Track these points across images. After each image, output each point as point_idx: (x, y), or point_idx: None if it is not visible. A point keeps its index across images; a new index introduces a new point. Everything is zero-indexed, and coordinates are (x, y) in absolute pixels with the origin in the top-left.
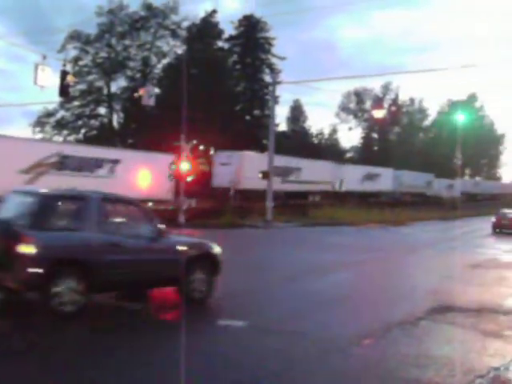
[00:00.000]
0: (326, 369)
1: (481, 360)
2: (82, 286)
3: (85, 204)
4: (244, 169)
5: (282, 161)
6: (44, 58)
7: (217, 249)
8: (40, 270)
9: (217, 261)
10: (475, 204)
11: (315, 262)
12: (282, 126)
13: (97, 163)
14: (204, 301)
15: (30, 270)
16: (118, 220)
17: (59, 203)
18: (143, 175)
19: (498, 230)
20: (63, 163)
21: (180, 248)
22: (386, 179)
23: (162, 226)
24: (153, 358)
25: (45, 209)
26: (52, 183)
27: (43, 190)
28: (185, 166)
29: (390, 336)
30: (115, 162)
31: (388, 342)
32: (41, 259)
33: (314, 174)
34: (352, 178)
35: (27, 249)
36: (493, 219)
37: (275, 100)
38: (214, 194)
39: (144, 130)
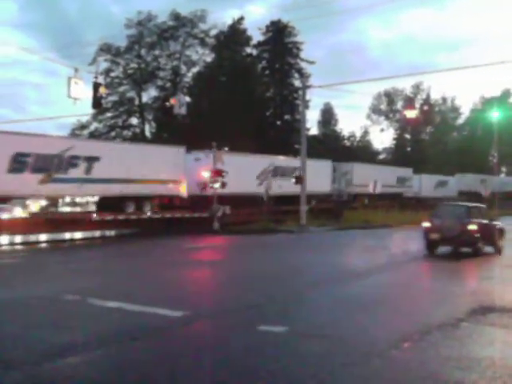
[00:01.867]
0: (366, 372)
1: None
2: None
3: (472, 208)
4: None
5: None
6: (76, 70)
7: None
8: (478, 235)
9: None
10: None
11: (351, 265)
12: (314, 130)
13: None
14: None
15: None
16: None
17: (471, 207)
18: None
19: None
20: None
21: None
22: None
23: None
24: None
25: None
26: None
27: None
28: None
29: (430, 338)
30: (295, 169)
31: (428, 344)
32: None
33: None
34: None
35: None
36: None
37: (305, 104)
38: None
39: (176, 139)
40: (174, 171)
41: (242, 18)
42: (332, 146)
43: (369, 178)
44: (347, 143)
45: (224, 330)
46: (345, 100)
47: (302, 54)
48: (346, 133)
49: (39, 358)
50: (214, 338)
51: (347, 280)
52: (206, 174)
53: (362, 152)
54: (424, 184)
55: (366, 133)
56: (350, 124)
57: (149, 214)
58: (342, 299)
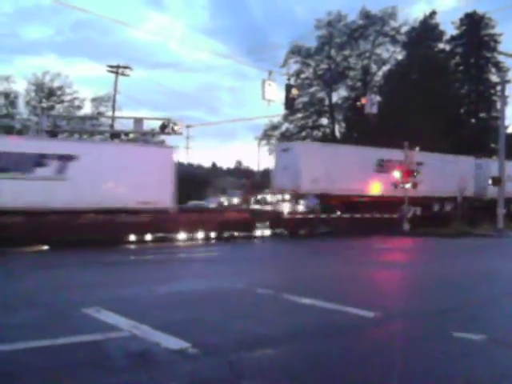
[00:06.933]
0: None
1: None
2: None
3: None
4: None
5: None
6: (270, 73)
7: None
8: None
9: None
10: None
11: None
12: None
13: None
14: None
15: None
16: None
17: None
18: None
19: None
20: None
21: None
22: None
23: None
24: None
25: None
26: None
27: None
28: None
29: None
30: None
31: None
32: None
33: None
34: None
35: None
36: None
37: (504, 100)
38: None
39: (365, 138)
40: None
41: (434, 13)
42: None
43: None
44: None
45: (417, 334)
46: None
47: (500, 47)
48: None
49: (236, 346)
50: (407, 341)
51: None
52: (397, 174)
53: None
54: None
55: None
56: None
57: (338, 213)
58: None
